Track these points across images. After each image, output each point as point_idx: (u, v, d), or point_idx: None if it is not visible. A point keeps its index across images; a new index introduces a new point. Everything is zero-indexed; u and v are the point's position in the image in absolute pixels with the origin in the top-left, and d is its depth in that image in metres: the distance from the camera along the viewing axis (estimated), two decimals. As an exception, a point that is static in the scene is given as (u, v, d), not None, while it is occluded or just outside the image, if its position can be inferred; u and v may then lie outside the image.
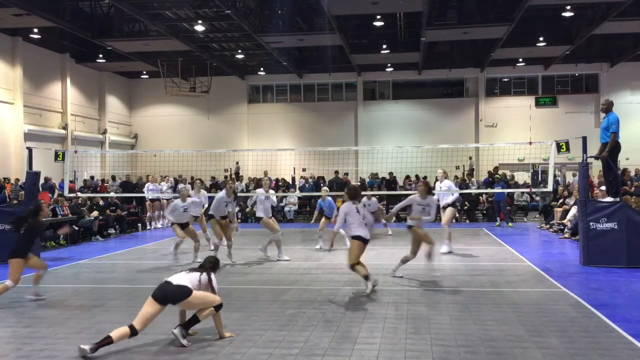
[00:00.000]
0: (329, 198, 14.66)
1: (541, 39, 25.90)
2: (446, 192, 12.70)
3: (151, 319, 5.85)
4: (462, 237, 15.88)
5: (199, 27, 24.27)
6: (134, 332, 5.73)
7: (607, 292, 8.36)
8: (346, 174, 23.84)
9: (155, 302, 5.85)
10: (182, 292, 5.86)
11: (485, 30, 24.10)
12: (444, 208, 12.82)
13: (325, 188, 17.38)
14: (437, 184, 13.09)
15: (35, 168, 13.07)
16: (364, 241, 8.35)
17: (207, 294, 6.02)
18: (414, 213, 9.46)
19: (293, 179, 25.98)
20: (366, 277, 8.21)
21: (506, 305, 7.55)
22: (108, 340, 5.63)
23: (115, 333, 5.68)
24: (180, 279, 5.99)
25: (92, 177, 25.05)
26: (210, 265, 6.27)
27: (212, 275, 6.15)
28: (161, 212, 20.32)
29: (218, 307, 6.03)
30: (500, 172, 22.97)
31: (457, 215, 21.19)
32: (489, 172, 23.17)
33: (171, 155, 22.38)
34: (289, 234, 17.47)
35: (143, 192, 20.08)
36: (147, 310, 5.82)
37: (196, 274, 6.07)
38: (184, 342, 5.86)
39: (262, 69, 32.24)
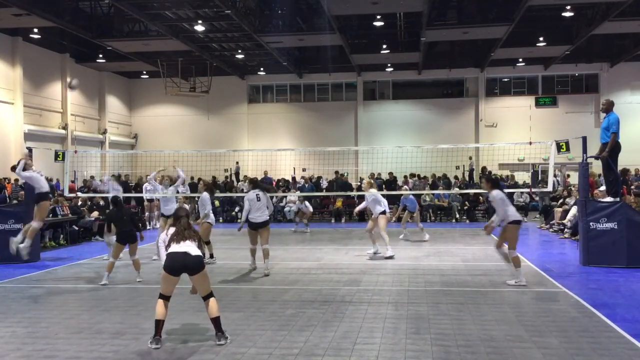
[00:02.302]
0: (411, 195, 15.50)
1: (541, 39, 25.91)
2: (373, 201, 12.21)
3: (174, 288, 6.12)
4: (462, 237, 15.88)
5: (199, 27, 24.28)
6: (167, 298, 6.01)
7: (607, 292, 8.36)
8: (342, 174, 23.84)
9: (171, 276, 5.97)
10: (201, 262, 6.00)
11: (485, 30, 24.11)
12: (375, 219, 12.24)
13: (406, 187, 18.00)
14: (366, 194, 12.62)
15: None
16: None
17: (207, 275, 6.18)
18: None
19: (293, 179, 25.96)
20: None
21: (506, 305, 7.55)
22: (161, 325, 5.90)
23: (159, 313, 5.90)
24: (193, 249, 6.01)
25: (92, 177, 25.01)
26: (185, 215, 6.36)
27: (195, 228, 6.46)
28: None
29: (213, 294, 6.10)
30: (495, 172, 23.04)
31: (457, 215, 21.24)
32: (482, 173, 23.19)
33: (171, 155, 22.36)
34: (290, 234, 17.47)
35: (141, 192, 20.04)
36: (170, 285, 6.02)
37: (192, 239, 6.12)
38: (228, 339, 5.98)
39: (262, 69, 32.26)
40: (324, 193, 22.07)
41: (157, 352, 5.71)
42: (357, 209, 14.08)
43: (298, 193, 22.65)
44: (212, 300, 6.00)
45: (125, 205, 10.09)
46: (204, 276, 6.04)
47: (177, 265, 5.93)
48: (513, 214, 9.00)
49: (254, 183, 10.78)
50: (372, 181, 13.42)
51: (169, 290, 6.03)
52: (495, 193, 8.98)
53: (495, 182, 9.45)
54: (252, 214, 10.18)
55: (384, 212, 12.13)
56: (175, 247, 6.01)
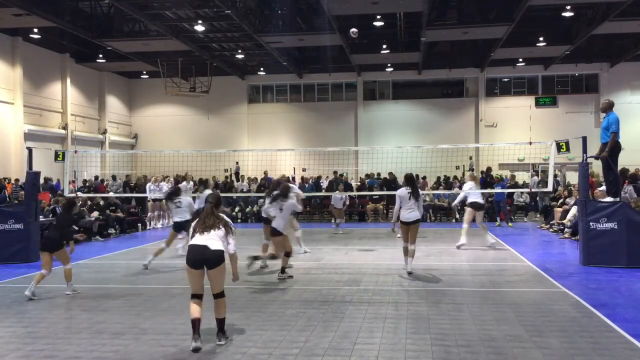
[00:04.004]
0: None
1: (541, 39, 25.90)
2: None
3: (202, 283, 5.97)
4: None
5: (199, 27, 24.28)
6: (199, 297, 5.90)
7: (607, 292, 8.36)
8: (342, 174, 23.84)
9: (193, 269, 5.89)
10: (220, 257, 5.90)
11: (485, 30, 24.10)
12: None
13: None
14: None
15: (35, 168, 13.07)
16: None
17: (224, 272, 6.05)
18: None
19: (293, 179, 25.94)
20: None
21: (506, 305, 7.55)
22: (198, 324, 5.79)
23: (194, 312, 5.80)
24: (214, 242, 5.92)
25: (96, 177, 25.01)
26: (215, 202, 6.27)
27: (224, 217, 6.25)
28: (161, 212, 20.28)
29: (224, 293, 6.02)
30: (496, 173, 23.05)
31: (457, 215, 21.26)
32: (482, 172, 23.17)
33: (171, 155, 22.39)
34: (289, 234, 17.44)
35: (144, 192, 20.03)
36: (195, 279, 5.92)
37: (219, 229, 6.02)
38: (228, 339, 5.98)
39: (262, 69, 32.25)
40: (323, 193, 22.05)
41: (157, 353, 5.71)
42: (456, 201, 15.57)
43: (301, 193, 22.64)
44: (221, 300, 5.97)
45: (73, 207, 9.27)
46: (221, 272, 5.94)
47: (197, 257, 5.87)
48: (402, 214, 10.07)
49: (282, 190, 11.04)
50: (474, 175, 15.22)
51: (196, 287, 5.94)
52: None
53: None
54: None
55: (472, 205, 13.63)
56: (196, 240, 5.96)
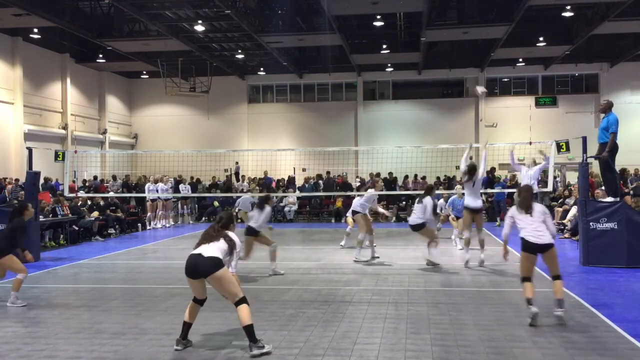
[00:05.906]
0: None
1: (541, 39, 25.89)
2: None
3: (203, 290, 5.87)
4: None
5: (199, 27, 24.26)
6: (199, 302, 5.88)
7: (607, 292, 8.36)
8: (340, 175, 23.82)
9: (190, 278, 5.76)
10: (214, 264, 5.61)
11: (485, 30, 24.09)
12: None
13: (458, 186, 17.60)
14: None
15: (35, 168, 13.08)
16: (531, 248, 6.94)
17: (234, 280, 5.76)
18: None
19: (293, 178, 25.97)
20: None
21: (506, 305, 7.56)
22: (186, 327, 5.81)
23: (186, 314, 5.84)
24: (210, 250, 5.70)
25: (95, 177, 25.01)
26: (222, 222, 6.05)
27: (230, 233, 5.94)
28: (161, 212, 20.29)
29: (244, 300, 5.70)
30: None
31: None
32: (488, 172, 23.23)
33: (171, 155, 22.39)
34: (290, 234, 17.48)
35: (144, 192, 20.04)
36: (195, 288, 5.84)
37: (219, 242, 5.79)
38: (264, 349, 5.63)
39: (262, 69, 32.23)
40: (322, 193, 22.08)
41: (157, 353, 5.71)
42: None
43: (298, 193, 22.71)
44: (241, 307, 5.63)
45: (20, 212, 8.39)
46: (220, 280, 5.62)
47: (189, 266, 5.70)
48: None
49: (427, 190, 11.30)
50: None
51: (196, 293, 5.86)
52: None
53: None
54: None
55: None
56: (194, 250, 5.82)
